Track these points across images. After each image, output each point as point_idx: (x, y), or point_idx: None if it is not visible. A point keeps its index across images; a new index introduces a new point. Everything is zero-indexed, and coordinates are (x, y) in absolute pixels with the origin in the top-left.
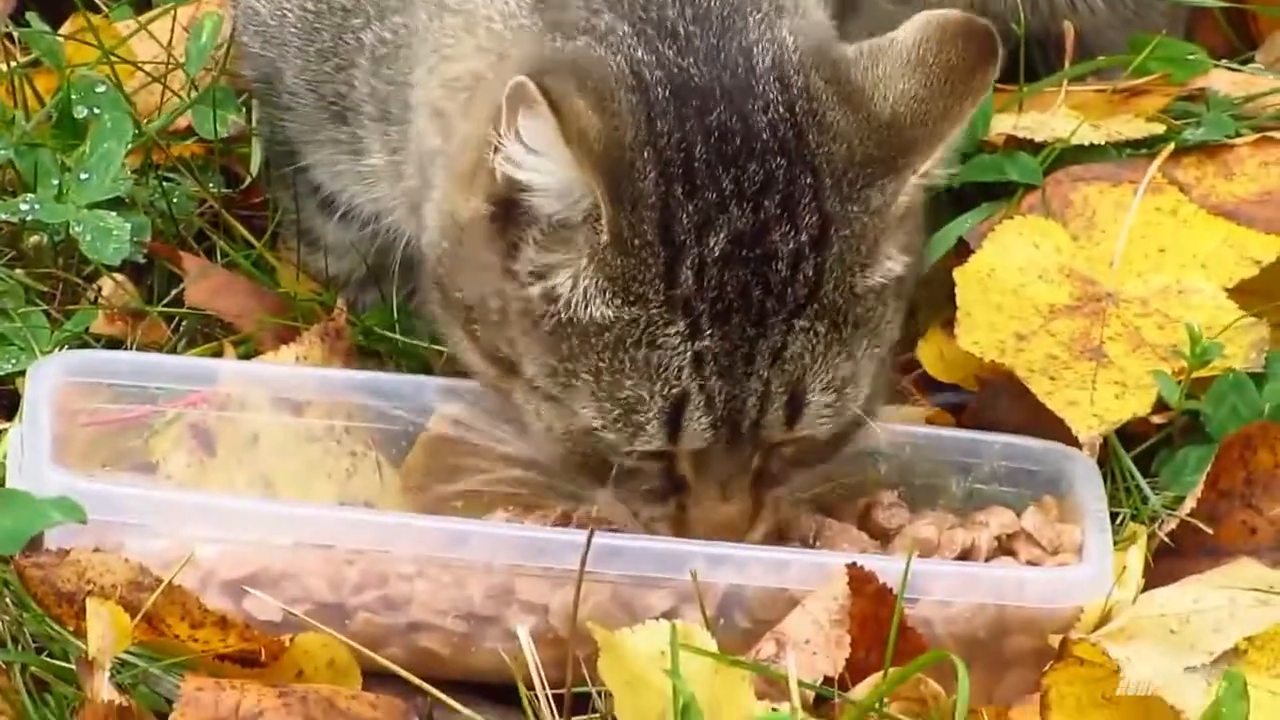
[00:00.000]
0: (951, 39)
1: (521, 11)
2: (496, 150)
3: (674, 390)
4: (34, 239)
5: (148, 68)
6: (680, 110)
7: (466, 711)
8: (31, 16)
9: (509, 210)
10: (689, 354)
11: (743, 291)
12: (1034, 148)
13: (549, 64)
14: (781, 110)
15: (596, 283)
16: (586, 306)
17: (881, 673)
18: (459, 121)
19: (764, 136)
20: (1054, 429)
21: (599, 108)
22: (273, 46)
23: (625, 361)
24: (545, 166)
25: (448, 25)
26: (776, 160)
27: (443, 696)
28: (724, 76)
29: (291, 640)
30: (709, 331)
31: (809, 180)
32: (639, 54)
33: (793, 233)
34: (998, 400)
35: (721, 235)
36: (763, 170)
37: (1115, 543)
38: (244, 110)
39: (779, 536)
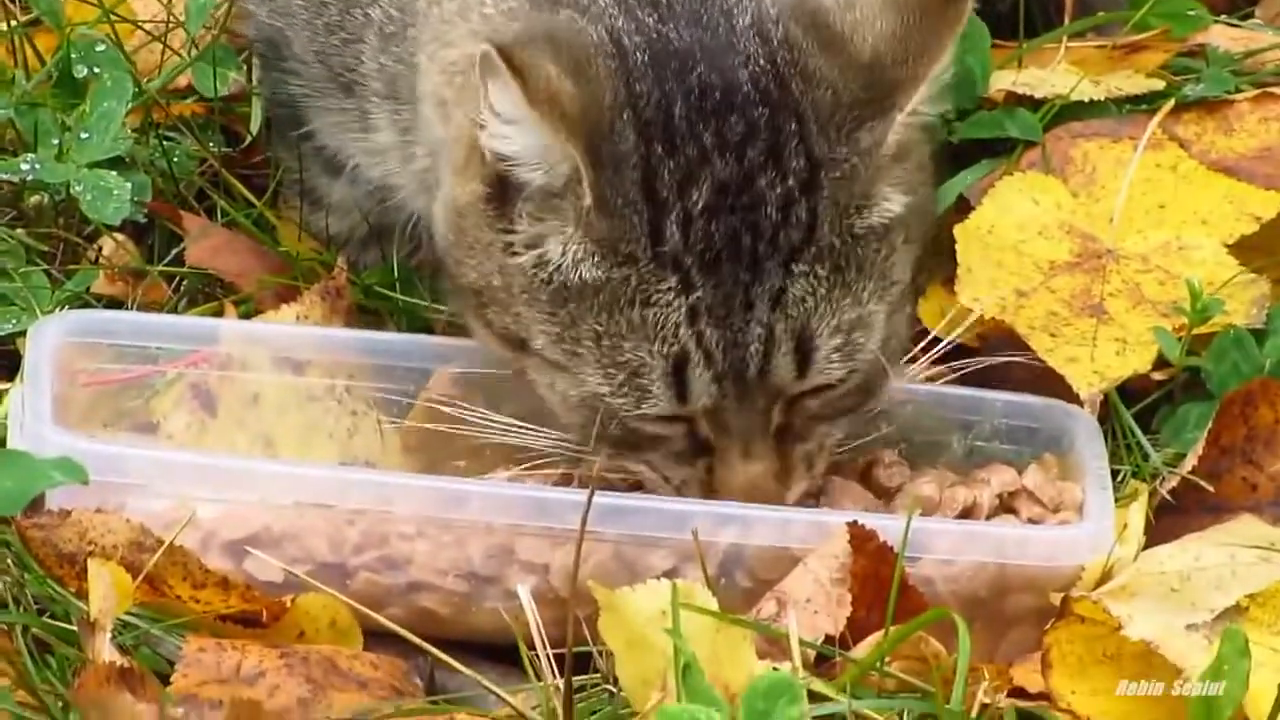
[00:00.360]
0: None
1: None
2: (481, 127)
3: (673, 348)
4: (34, 199)
5: (148, 26)
6: (659, 73)
7: (467, 671)
8: None
9: (502, 188)
10: (683, 308)
11: (732, 240)
12: (1034, 104)
13: (523, 36)
14: (762, 63)
15: (585, 246)
16: (577, 270)
17: (883, 631)
18: (454, 109)
19: (745, 89)
20: (1055, 386)
21: (574, 74)
22: (280, 16)
23: (622, 323)
24: (519, 134)
25: (445, 11)
26: (759, 110)
27: (443, 656)
28: (704, 38)
29: (293, 601)
30: (700, 283)
31: (794, 127)
32: (619, 22)
33: (780, 178)
34: (999, 357)
35: (705, 187)
36: (744, 121)
37: (1116, 500)
38: (244, 68)
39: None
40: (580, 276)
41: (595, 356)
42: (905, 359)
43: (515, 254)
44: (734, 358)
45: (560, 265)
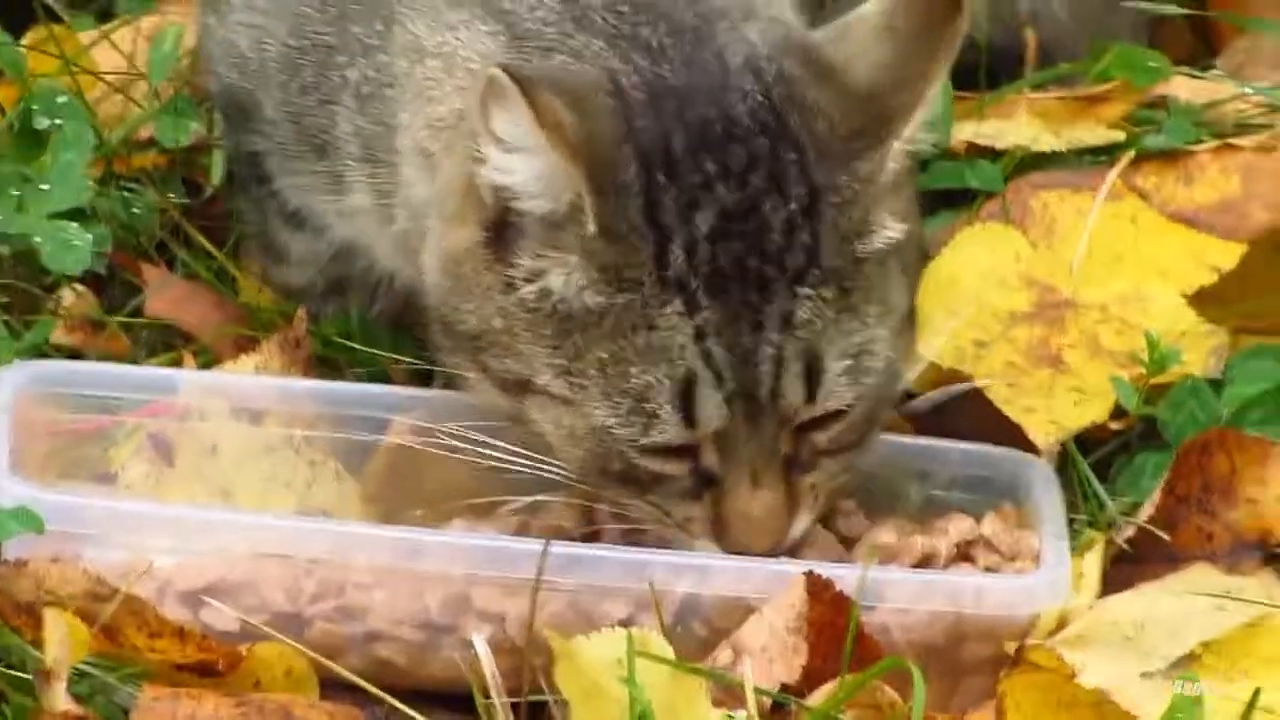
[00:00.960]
0: (916, 2)
1: (498, 51)
2: (480, 162)
3: (680, 371)
4: None
5: (109, 78)
6: (657, 109)
7: None
8: None
9: (501, 228)
10: (689, 330)
11: (738, 263)
12: (994, 154)
13: (524, 73)
14: (759, 98)
15: (588, 274)
16: (581, 298)
17: (838, 680)
18: (443, 159)
19: (744, 122)
20: (1012, 436)
21: (575, 107)
22: (251, 79)
23: (628, 349)
24: (523, 162)
25: (429, 68)
26: (758, 141)
27: (400, 705)
28: (699, 79)
29: (249, 650)
30: (706, 304)
31: (793, 156)
32: (614, 64)
33: (783, 203)
34: (956, 407)
35: (710, 213)
36: (746, 151)
37: (1073, 549)
38: (205, 119)
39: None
40: (584, 304)
41: (601, 386)
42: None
43: (516, 291)
44: (744, 378)
45: (564, 295)
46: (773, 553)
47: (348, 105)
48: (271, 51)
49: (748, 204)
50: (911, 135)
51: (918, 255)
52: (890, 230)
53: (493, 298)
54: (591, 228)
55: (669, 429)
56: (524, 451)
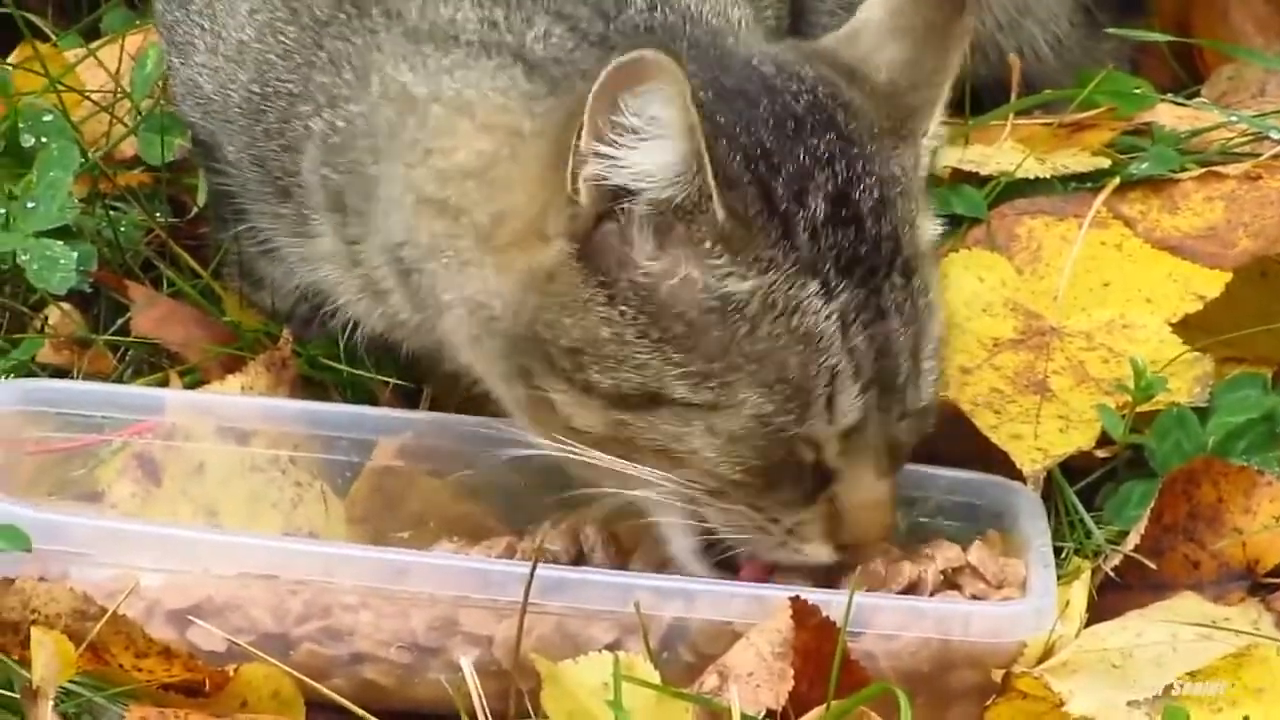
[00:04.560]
0: (924, 2)
1: (518, 82)
2: (583, 164)
3: (830, 361)
4: None
5: (95, 96)
6: (731, 107)
7: None
8: None
9: (596, 238)
10: (835, 315)
11: (854, 250)
12: (979, 181)
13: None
14: (807, 97)
15: (726, 259)
16: (724, 284)
17: (824, 706)
18: (485, 194)
19: (809, 119)
20: (999, 463)
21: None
22: (214, 120)
23: (780, 333)
24: (659, 148)
25: (432, 115)
26: (828, 136)
27: None
28: (747, 84)
29: (235, 670)
30: (840, 286)
31: (856, 150)
32: None
33: (866, 193)
34: (942, 433)
35: (818, 198)
36: (822, 144)
37: (1059, 577)
38: (189, 136)
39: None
40: (728, 293)
41: (753, 376)
42: None
43: (636, 299)
44: (883, 368)
45: (701, 288)
46: (883, 541)
47: (311, 154)
48: (235, 96)
49: (842, 192)
50: (935, 131)
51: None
52: (932, 226)
53: (594, 310)
54: (720, 214)
55: (818, 417)
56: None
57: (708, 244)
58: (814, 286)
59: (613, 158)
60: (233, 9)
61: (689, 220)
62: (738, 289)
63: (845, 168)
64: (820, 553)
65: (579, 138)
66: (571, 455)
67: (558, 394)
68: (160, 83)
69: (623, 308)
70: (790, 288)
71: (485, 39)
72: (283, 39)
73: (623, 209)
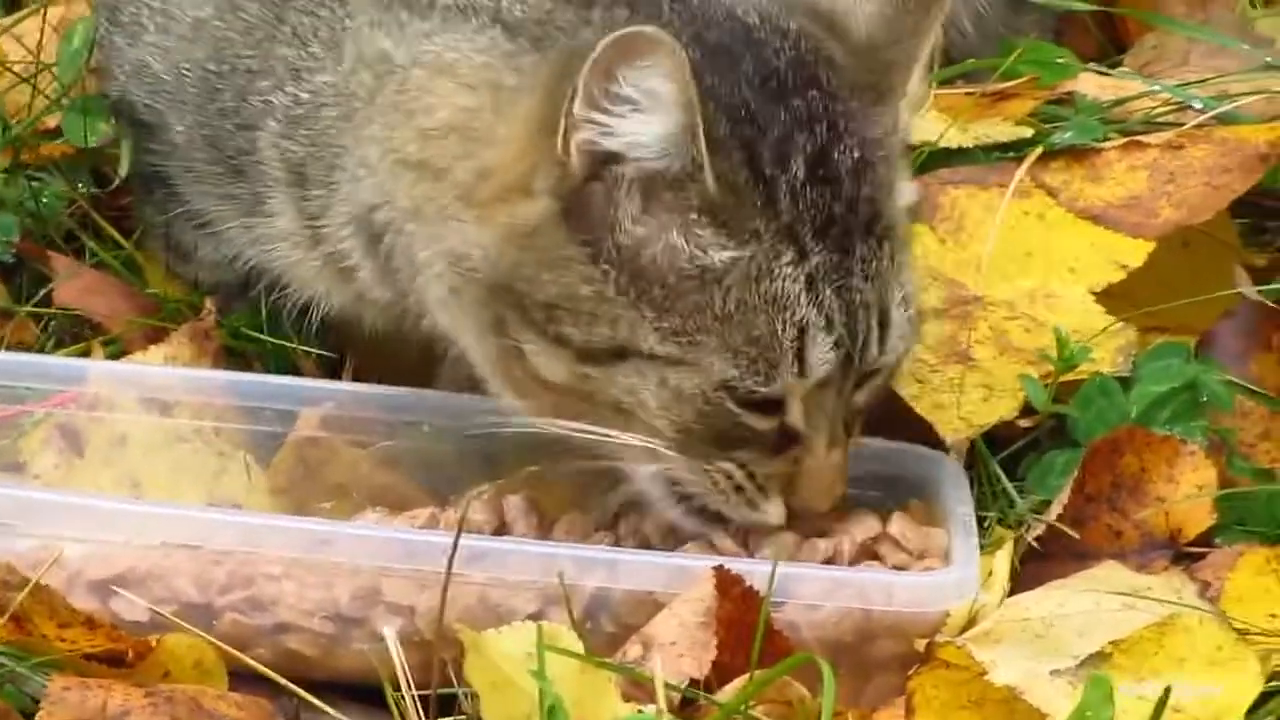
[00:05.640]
0: None
1: (499, 42)
2: (575, 130)
3: (798, 316)
4: None
5: (17, 68)
6: (714, 65)
7: (333, 712)
8: None
9: (583, 198)
10: (803, 277)
11: (829, 210)
12: None
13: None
14: (791, 52)
15: (710, 230)
16: (706, 254)
17: (747, 675)
18: (467, 149)
19: (791, 75)
20: (922, 432)
21: None
22: (163, 100)
23: (751, 299)
24: (654, 119)
25: (413, 79)
26: (810, 93)
27: (309, 697)
28: (731, 38)
29: (158, 640)
30: (816, 249)
31: (839, 107)
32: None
33: (846, 153)
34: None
35: (800, 159)
36: (804, 102)
37: (982, 547)
38: (112, 120)
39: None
40: (709, 261)
41: (721, 338)
42: None
43: (618, 258)
44: (849, 325)
45: (684, 256)
46: (829, 510)
47: (271, 129)
48: (190, 75)
49: (823, 153)
50: (912, 91)
51: None
52: (909, 190)
53: (574, 267)
54: (710, 184)
55: (784, 376)
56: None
57: (694, 213)
58: (790, 253)
59: (606, 125)
60: None
61: (678, 188)
62: (718, 258)
63: (826, 127)
64: (773, 512)
65: (572, 102)
66: (537, 423)
67: (528, 344)
68: (86, 61)
69: (605, 266)
70: (768, 258)
71: (461, 3)
72: (243, 15)
73: (612, 172)
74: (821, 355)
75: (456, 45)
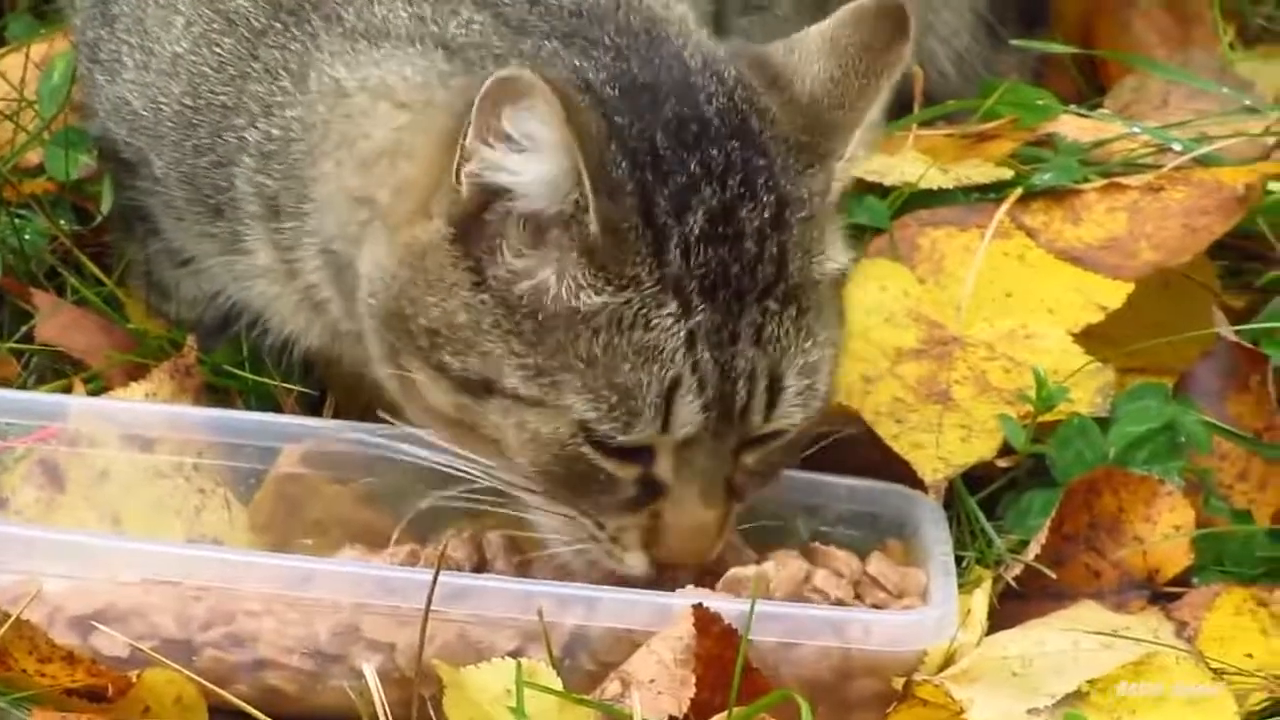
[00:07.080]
0: (865, 19)
1: (437, 64)
2: (467, 160)
3: (669, 372)
4: None
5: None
6: (632, 105)
7: None
8: None
9: (473, 225)
10: (682, 333)
11: (723, 269)
12: (882, 191)
13: (548, 75)
14: (723, 99)
15: (587, 272)
16: (578, 296)
17: (726, 713)
18: (390, 176)
19: (715, 123)
20: (900, 472)
21: (572, 107)
22: (142, 137)
23: (620, 345)
24: (534, 161)
25: (354, 105)
26: (730, 144)
27: None
28: (663, 76)
29: (138, 676)
30: (700, 307)
31: (761, 162)
32: (577, 63)
33: (757, 210)
34: (844, 442)
35: (699, 213)
36: (722, 153)
37: (960, 586)
38: (95, 153)
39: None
40: (579, 303)
41: (584, 381)
42: None
43: (490, 289)
44: (724, 389)
45: (557, 294)
46: (698, 567)
47: (246, 165)
48: (166, 110)
49: (728, 209)
50: (852, 154)
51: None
52: (839, 255)
53: (458, 293)
54: (594, 227)
55: (647, 428)
56: (471, 457)
57: (575, 253)
58: (672, 306)
59: (491, 161)
60: (166, 23)
61: (564, 227)
62: (590, 302)
63: (740, 182)
64: (637, 564)
65: (466, 133)
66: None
67: (417, 373)
68: (66, 95)
69: (484, 296)
70: (644, 306)
71: (412, 31)
72: (218, 50)
73: (501, 205)
74: (688, 414)
75: (400, 69)
